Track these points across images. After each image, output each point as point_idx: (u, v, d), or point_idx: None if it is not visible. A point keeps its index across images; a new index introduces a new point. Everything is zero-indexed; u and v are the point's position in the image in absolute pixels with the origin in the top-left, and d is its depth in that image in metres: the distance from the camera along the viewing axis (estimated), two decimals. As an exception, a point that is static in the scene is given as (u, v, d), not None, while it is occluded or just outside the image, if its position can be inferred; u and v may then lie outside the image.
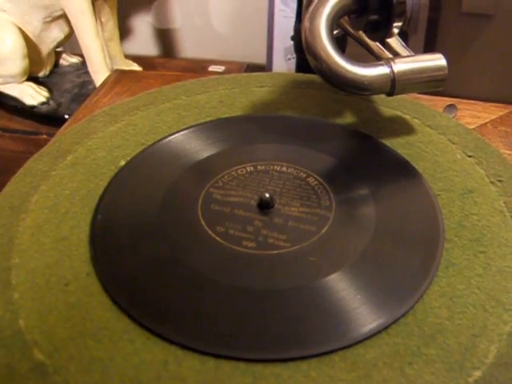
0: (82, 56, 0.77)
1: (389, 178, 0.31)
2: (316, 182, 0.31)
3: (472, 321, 0.23)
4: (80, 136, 0.35)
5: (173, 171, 0.32)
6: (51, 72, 0.81)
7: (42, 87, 0.76)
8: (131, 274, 0.25)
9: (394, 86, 0.30)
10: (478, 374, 0.21)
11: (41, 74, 0.79)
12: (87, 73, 0.75)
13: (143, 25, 0.94)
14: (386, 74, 0.29)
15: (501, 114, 0.41)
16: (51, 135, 0.66)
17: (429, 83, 0.31)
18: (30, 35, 0.74)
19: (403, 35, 0.33)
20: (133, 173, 0.32)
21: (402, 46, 0.33)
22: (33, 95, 0.74)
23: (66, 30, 0.77)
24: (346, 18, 0.34)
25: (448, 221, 0.28)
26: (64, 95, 0.76)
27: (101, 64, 0.73)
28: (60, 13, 0.73)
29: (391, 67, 0.30)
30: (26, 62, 0.72)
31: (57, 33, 0.77)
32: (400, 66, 0.30)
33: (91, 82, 0.76)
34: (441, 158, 0.33)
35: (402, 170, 0.32)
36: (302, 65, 0.48)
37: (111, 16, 0.78)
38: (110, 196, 0.30)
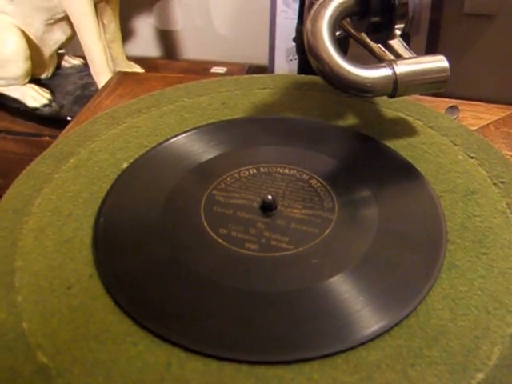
0: (84, 58, 0.78)
1: (391, 180, 0.31)
2: (318, 184, 0.31)
3: (475, 323, 0.23)
4: (83, 138, 0.35)
5: (175, 173, 0.32)
6: (53, 74, 0.81)
7: (44, 89, 0.76)
8: (134, 277, 0.25)
9: (396, 87, 0.30)
10: (480, 376, 0.21)
11: (43, 76, 0.80)
12: (89, 75, 0.76)
13: (145, 26, 0.94)
14: (389, 76, 0.30)
15: (503, 115, 0.41)
16: (54, 137, 0.66)
17: (431, 85, 0.31)
18: (33, 37, 0.74)
19: (405, 37, 0.33)
20: (135, 175, 0.32)
21: (404, 47, 0.33)
22: (35, 97, 0.74)
23: (68, 32, 0.77)
24: (348, 19, 0.34)
25: (450, 222, 0.28)
26: (66, 97, 0.76)
27: (103, 66, 0.73)
28: (62, 15, 0.73)
29: (393, 69, 0.30)
30: (29, 64, 0.72)
31: (59, 35, 0.77)
32: (402, 67, 0.30)
33: (93, 83, 0.76)
34: (443, 159, 0.33)
35: (405, 172, 0.32)
36: (304, 66, 0.48)
37: (113, 18, 0.78)
38: (113, 198, 0.30)
